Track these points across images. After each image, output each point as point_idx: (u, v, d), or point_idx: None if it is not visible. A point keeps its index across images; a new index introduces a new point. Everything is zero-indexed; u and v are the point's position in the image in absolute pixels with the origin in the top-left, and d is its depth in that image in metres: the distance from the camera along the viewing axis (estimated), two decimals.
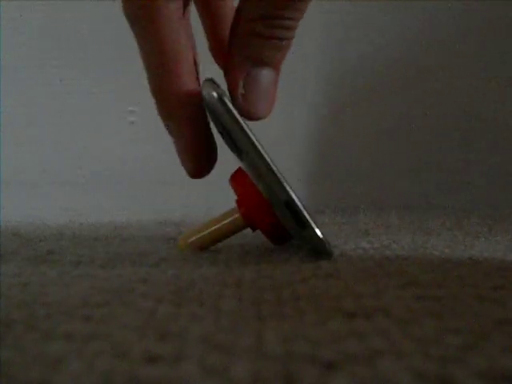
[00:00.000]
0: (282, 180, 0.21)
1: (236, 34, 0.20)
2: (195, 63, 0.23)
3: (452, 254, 0.24)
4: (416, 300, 0.15)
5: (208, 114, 0.21)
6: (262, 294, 0.16)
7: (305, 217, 0.21)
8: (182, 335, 0.12)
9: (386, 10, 0.56)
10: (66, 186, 0.54)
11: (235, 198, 0.25)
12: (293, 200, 0.21)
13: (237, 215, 0.25)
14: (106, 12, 0.50)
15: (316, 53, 0.55)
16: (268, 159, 0.21)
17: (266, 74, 0.20)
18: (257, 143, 0.21)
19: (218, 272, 0.20)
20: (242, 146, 0.21)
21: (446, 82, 0.57)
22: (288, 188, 0.21)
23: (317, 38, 0.54)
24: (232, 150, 0.21)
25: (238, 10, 0.20)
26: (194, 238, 0.25)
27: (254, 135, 0.21)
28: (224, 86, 0.22)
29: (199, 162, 0.23)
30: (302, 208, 0.21)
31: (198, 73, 0.23)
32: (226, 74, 0.21)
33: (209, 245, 0.26)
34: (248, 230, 0.25)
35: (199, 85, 0.23)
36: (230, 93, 0.21)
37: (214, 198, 0.43)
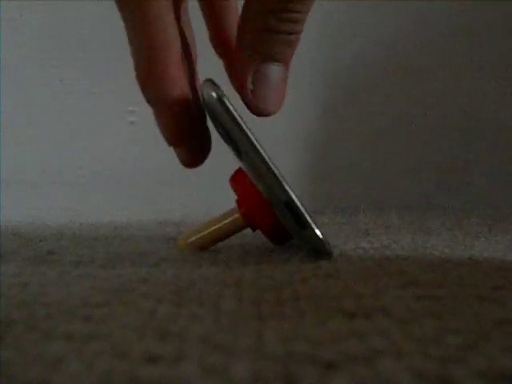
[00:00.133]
0: (282, 180, 0.21)
1: (244, 29, 0.20)
2: (189, 56, 0.23)
3: (452, 254, 0.24)
4: (416, 300, 0.15)
5: (207, 115, 0.21)
6: (262, 294, 0.16)
7: (305, 217, 0.21)
8: (182, 335, 0.12)
9: (384, 10, 0.56)
10: (65, 186, 0.54)
11: (235, 197, 0.25)
12: (293, 200, 0.21)
13: (237, 215, 0.25)
14: (105, 12, 0.50)
15: (314, 52, 0.55)
16: (268, 159, 0.21)
17: (275, 70, 0.20)
18: (256, 143, 0.21)
19: (218, 272, 0.20)
20: (241, 146, 0.21)
21: (445, 81, 0.57)
22: (288, 188, 0.21)
23: (314, 37, 0.54)
24: (232, 150, 0.21)
25: (246, 5, 0.20)
26: (194, 237, 0.25)
27: (253, 135, 0.21)
28: (222, 83, 0.22)
29: (189, 151, 0.23)
30: (301, 208, 0.21)
31: (195, 68, 0.23)
32: (231, 70, 0.21)
33: (209, 245, 0.26)
34: (248, 230, 0.25)
35: (195, 78, 0.23)
36: (238, 88, 0.21)
37: (214, 198, 0.43)
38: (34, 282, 0.19)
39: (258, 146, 0.21)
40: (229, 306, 0.15)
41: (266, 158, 0.21)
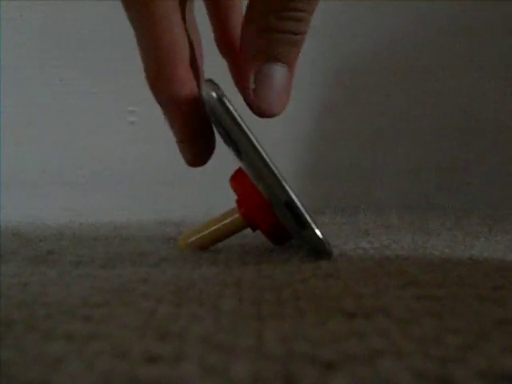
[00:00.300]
0: (282, 180, 0.21)
1: (247, 29, 0.20)
2: (194, 57, 0.23)
3: (452, 254, 0.24)
4: (416, 300, 0.15)
5: (208, 115, 0.21)
6: (262, 294, 0.16)
7: (305, 217, 0.21)
8: (182, 335, 0.12)
9: (384, 9, 0.56)
10: (65, 186, 0.54)
11: (235, 197, 0.25)
12: (293, 200, 0.21)
13: (237, 215, 0.25)
14: (105, 12, 0.50)
15: (313, 52, 0.55)
16: (268, 159, 0.21)
17: (278, 70, 0.20)
18: (256, 144, 0.21)
19: (218, 272, 0.20)
20: (241, 146, 0.21)
21: (445, 81, 0.57)
22: (288, 188, 0.21)
23: (313, 37, 0.54)
24: (232, 150, 0.21)
25: (250, 5, 0.20)
26: (194, 237, 0.25)
27: (253, 135, 0.21)
28: (225, 83, 0.22)
29: (195, 150, 0.23)
30: (301, 208, 0.21)
31: (201, 67, 0.23)
32: (235, 70, 0.21)
33: (209, 245, 0.26)
34: (248, 230, 0.25)
35: (201, 79, 0.23)
36: (241, 88, 0.21)
37: (214, 198, 0.43)
38: (34, 281, 0.19)
39: (257, 146, 0.21)
40: (229, 306, 0.15)
41: (266, 158, 0.21)
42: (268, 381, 0.10)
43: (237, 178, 0.24)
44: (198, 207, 0.46)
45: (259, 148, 0.21)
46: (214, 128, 0.22)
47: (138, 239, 0.31)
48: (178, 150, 0.24)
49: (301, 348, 0.11)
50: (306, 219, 0.21)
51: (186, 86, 0.20)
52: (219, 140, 0.22)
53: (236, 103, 0.21)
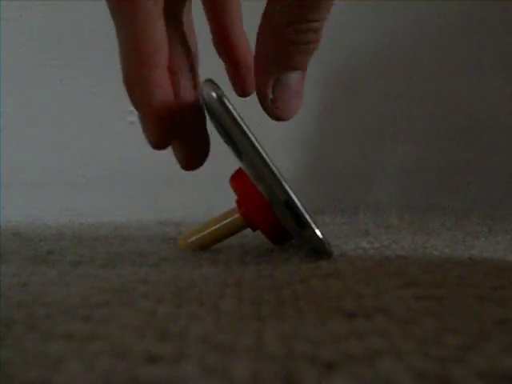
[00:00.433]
0: (282, 180, 0.21)
1: (264, 40, 0.20)
2: (192, 60, 0.23)
3: (452, 254, 0.24)
4: (416, 300, 0.15)
5: (207, 115, 0.21)
6: (262, 294, 0.16)
7: (304, 217, 0.21)
8: (182, 335, 0.12)
9: (383, 9, 0.56)
10: (66, 186, 0.54)
11: (235, 197, 0.25)
12: (292, 200, 0.21)
13: (237, 215, 0.25)
14: (106, 12, 0.50)
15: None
16: (268, 159, 0.21)
17: (294, 77, 0.21)
18: (256, 144, 0.21)
19: (218, 272, 0.20)
20: (241, 146, 0.21)
21: (445, 81, 0.57)
22: (288, 188, 0.21)
23: None
24: (232, 150, 0.21)
25: (266, 15, 0.20)
26: (194, 237, 0.25)
27: (253, 136, 0.21)
28: (225, 83, 0.22)
29: (188, 153, 0.23)
30: (301, 208, 0.21)
31: (195, 70, 0.23)
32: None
33: (209, 245, 0.26)
34: (248, 230, 0.25)
35: (195, 83, 0.23)
36: (258, 98, 0.21)
37: (214, 198, 0.43)
38: (34, 281, 0.19)
39: (257, 146, 0.21)
40: (229, 306, 0.15)
41: (266, 158, 0.21)
42: (268, 381, 0.10)
43: (237, 178, 0.24)
44: (198, 207, 0.46)
45: (259, 148, 0.21)
46: (215, 128, 0.22)
47: (137, 239, 0.31)
48: None
49: (301, 348, 0.11)
50: (305, 219, 0.21)
51: (162, 89, 0.20)
52: (219, 140, 0.22)
53: (236, 103, 0.21)
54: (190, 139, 0.23)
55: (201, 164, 0.24)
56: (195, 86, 0.23)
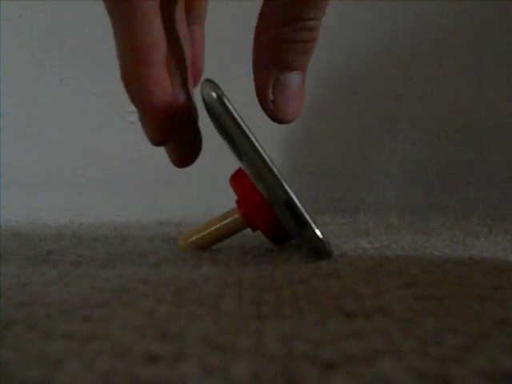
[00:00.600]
0: (282, 180, 0.21)
1: (261, 40, 0.20)
2: (184, 58, 0.23)
3: (452, 254, 0.24)
4: (416, 300, 0.15)
5: (208, 115, 0.21)
6: (262, 294, 0.16)
7: (304, 217, 0.21)
8: (182, 335, 0.12)
9: (379, 7, 0.56)
10: (66, 186, 0.54)
11: (235, 197, 0.25)
12: (292, 200, 0.21)
13: (237, 215, 0.25)
14: (106, 12, 0.50)
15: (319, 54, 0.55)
16: (267, 159, 0.21)
17: (293, 78, 0.21)
18: (256, 144, 0.21)
19: (218, 272, 0.20)
20: (241, 146, 0.21)
21: (445, 81, 0.57)
22: (287, 188, 0.21)
23: None
24: (232, 150, 0.21)
25: (262, 15, 0.20)
26: (194, 237, 0.25)
27: (253, 135, 0.21)
28: (225, 84, 0.22)
29: (180, 150, 0.23)
30: (301, 208, 0.21)
31: (187, 69, 0.23)
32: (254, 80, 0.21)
33: (209, 245, 0.26)
34: (248, 230, 0.25)
35: (185, 80, 0.23)
36: (259, 99, 0.21)
37: (213, 198, 0.43)
38: (34, 282, 0.19)
39: (257, 146, 0.21)
40: (229, 306, 0.15)
41: (266, 157, 0.21)
42: (268, 381, 0.10)
43: (237, 178, 0.24)
44: (198, 207, 0.46)
45: (259, 148, 0.21)
46: (215, 128, 0.22)
47: (137, 239, 0.31)
48: None
49: (301, 348, 0.11)
50: (305, 219, 0.21)
51: (160, 87, 0.20)
52: (219, 140, 0.22)
53: (236, 103, 0.21)
54: (182, 136, 0.23)
55: (193, 161, 0.24)
56: (186, 83, 0.23)
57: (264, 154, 0.21)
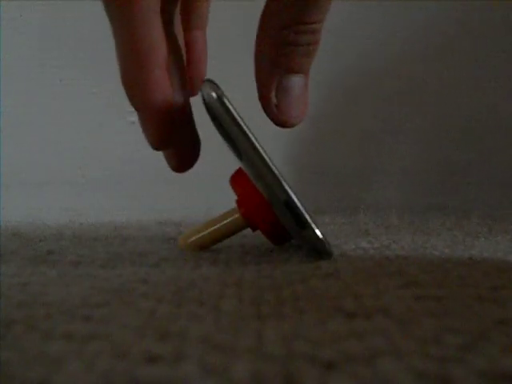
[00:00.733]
0: (282, 180, 0.21)
1: (263, 44, 0.20)
2: (181, 62, 0.23)
3: (452, 254, 0.24)
4: (416, 300, 0.15)
5: (208, 115, 0.21)
6: (262, 294, 0.16)
7: (304, 217, 0.21)
8: (182, 335, 0.12)
9: (379, 9, 0.56)
10: (66, 186, 0.54)
11: (235, 197, 0.25)
12: (292, 200, 0.21)
13: (237, 215, 0.25)
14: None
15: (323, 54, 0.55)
16: (267, 159, 0.21)
17: (296, 81, 0.21)
18: (256, 144, 0.21)
19: (218, 272, 0.20)
20: (241, 146, 0.21)
21: (445, 81, 0.57)
22: (287, 188, 0.21)
23: None
24: (232, 150, 0.21)
25: (264, 18, 0.20)
26: (194, 237, 0.25)
27: (253, 136, 0.21)
28: (225, 84, 0.22)
29: (178, 155, 0.23)
30: (301, 208, 0.21)
31: (184, 72, 0.23)
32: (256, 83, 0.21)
33: (209, 245, 0.26)
34: (248, 230, 0.25)
35: (183, 84, 0.23)
36: (261, 102, 0.21)
37: (213, 198, 0.43)
38: (34, 282, 0.19)
39: (257, 145, 0.21)
40: (229, 306, 0.15)
41: (266, 157, 0.21)
42: (268, 381, 0.10)
43: (237, 178, 0.24)
44: (198, 207, 0.46)
45: (259, 148, 0.21)
46: (215, 128, 0.22)
47: (137, 239, 0.31)
48: None
49: (301, 348, 0.11)
50: (305, 219, 0.21)
51: (161, 89, 0.20)
52: (219, 140, 0.22)
53: (236, 103, 0.21)
54: (180, 140, 0.23)
55: (191, 166, 0.24)
56: (184, 86, 0.23)
57: (264, 154, 0.21)
